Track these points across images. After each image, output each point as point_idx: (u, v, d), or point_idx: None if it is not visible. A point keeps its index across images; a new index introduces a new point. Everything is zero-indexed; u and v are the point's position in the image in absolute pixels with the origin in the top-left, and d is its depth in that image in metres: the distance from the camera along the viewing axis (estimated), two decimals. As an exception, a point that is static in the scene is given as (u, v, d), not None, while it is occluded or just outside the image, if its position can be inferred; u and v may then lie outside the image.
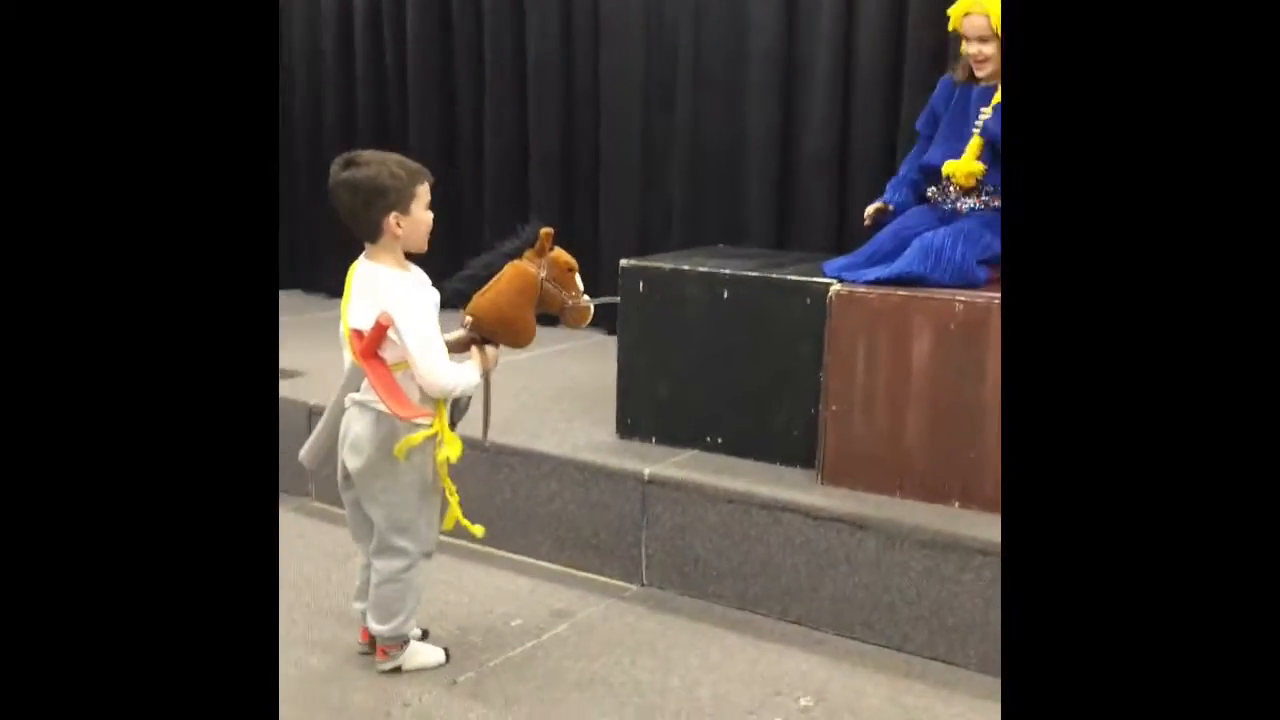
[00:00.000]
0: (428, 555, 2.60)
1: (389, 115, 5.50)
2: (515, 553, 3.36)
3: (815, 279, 3.10)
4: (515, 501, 3.36)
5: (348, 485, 2.54)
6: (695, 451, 3.29)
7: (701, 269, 3.28)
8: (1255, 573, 1.34)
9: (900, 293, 2.90)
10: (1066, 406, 1.42)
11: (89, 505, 1.35)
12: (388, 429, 2.43)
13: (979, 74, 3.11)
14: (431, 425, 2.42)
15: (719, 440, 3.28)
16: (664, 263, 3.38)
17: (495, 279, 2.52)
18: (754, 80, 4.46)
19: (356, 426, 2.47)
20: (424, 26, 5.25)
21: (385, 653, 2.63)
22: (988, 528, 2.75)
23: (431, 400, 2.43)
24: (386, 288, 2.38)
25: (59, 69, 1.38)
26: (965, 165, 3.06)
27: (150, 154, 1.41)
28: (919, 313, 2.87)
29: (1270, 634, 1.32)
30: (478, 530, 2.56)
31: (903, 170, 3.38)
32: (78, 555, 1.34)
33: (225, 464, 1.41)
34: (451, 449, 2.44)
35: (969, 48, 3.10)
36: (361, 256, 2.47)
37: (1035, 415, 1.43)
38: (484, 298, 2.51)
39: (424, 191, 2.45)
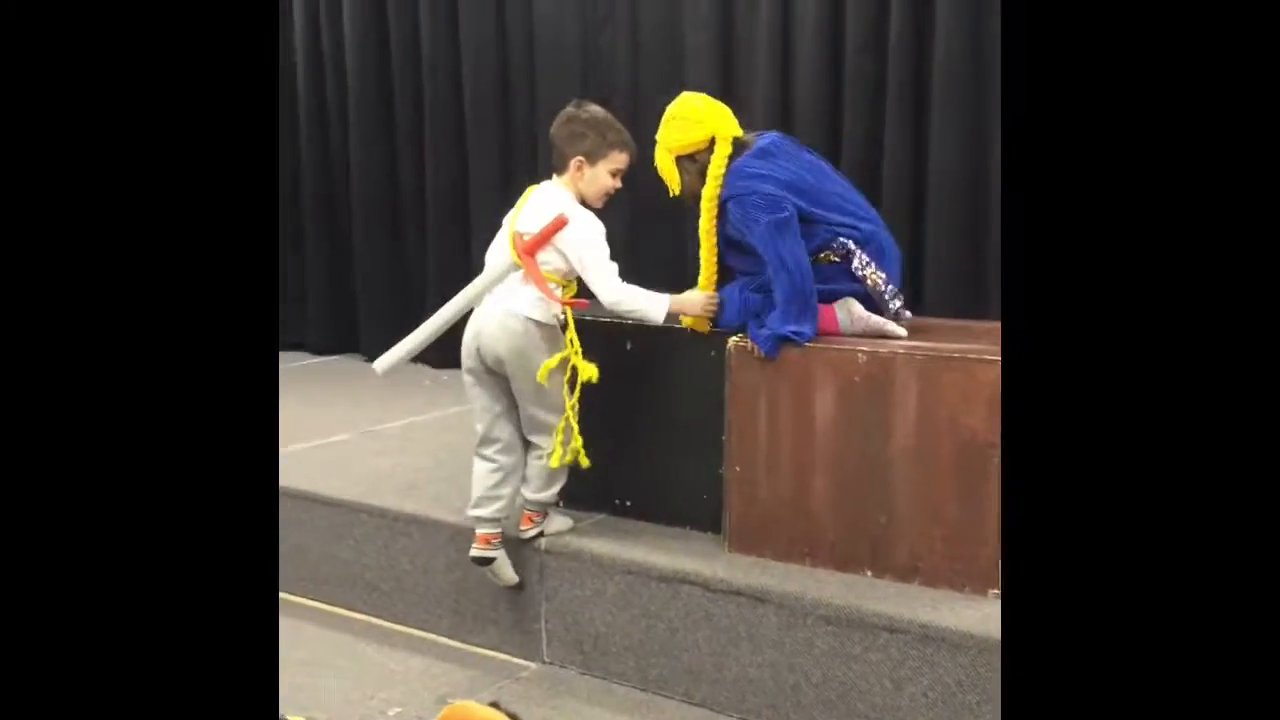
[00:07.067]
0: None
1: (331, 158, 5.37)
2: (414, 627, 3.14)
3: (721, 329, 2.87)
4: (414, 572, 3.15)
5: (483, 381, 2.80)
6: (603, 515, 3.07)
7: (603, 319, 3.05)
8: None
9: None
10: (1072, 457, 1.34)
11: (80, 566, 1.30)
12: (535, 330, 2.72)
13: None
14: (567, 347, 2.75)
15: (628, 503, 3.05)
16: (567, 314, 3.16)
17: None
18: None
19: (509, 325, 2.71)
20: (363, 69, 5.12)
21: (531, 519, 2.87)
22: (896, 601, 2.51)
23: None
24: (570, 205, 2.75)
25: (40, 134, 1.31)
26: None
27: (147, 200, 1.35)
28: (820, 365, 2.64)
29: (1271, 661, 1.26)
30: (584, 461, 2.80)
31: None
32: (71, 616, 1.29)
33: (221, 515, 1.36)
34: (588, 371, 2.73)
35: None
36: (546, 182, 2.86)
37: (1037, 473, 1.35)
38: None
39: (617, 158, 2.81)
